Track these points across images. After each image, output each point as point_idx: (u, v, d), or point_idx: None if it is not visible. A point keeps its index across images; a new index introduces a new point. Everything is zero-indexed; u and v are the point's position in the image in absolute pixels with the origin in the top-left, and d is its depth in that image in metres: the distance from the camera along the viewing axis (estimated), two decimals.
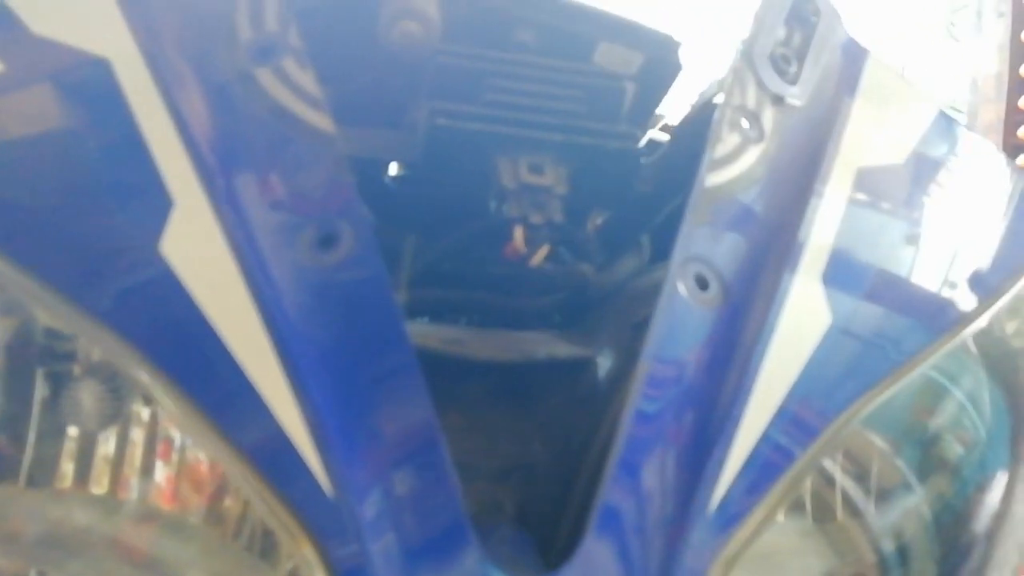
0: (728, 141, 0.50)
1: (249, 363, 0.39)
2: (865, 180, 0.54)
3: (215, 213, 0.41)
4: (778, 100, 0.54)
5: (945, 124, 0.65)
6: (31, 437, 0.41)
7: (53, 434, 0.41)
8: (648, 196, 0.61)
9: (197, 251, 0.40)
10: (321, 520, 0.37)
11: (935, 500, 0.53)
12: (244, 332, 0.39)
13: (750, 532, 0.42)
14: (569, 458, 0.46)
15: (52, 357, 0.42)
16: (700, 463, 0.41)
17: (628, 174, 0.60)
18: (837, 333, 0.47)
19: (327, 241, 0.41)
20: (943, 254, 0.56)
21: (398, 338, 0.41)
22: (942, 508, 0.52)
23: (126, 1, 0.47)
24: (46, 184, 0.42)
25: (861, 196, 0.53)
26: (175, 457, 0.41)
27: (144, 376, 0.39)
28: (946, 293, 0.54)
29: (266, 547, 0.40)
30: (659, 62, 0.63)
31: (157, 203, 0.41)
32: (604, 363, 0.50)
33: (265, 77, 0.45)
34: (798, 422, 0.44)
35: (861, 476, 0.49)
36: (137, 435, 0.41)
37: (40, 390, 0.42)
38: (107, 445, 0.41)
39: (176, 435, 0.41)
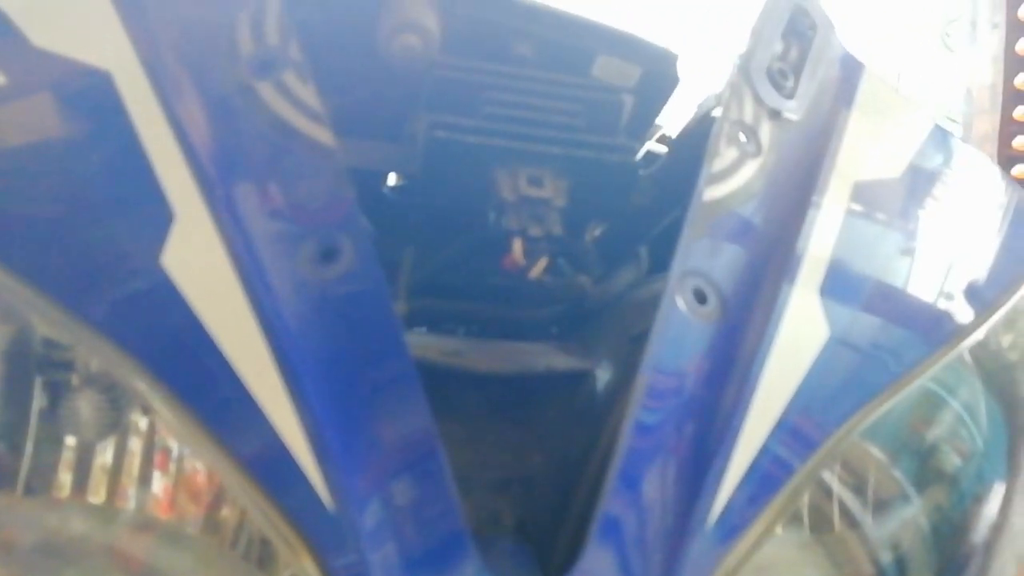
0: (726, 155, 0.51)
1: (248, 374, 0.39)
2: (862, 193, 0.54)
3: (216, 226, 0.41)
4: (775, 114, 0.54)
5: (941, 137, 0.65)
6: (29, 446, 0.41)
7: (51, 443, 0.41)
8: (646, 208, 0.61)
9: (198, 263, 0.40)
10: (320, 531, 0.37)
11: (933, 512, 0.53)
12: (244, 343, 0.39)
13: (750, 544, 0.42)
14: (568, 470, 0.46)
15: (50, 366, 0.42)
16: (699, 475, 0.41)
17: (626, 186, 0.60)
18: (835, 345, 0.47)
19: (328, 254, 0.42)
20: (939, 267, 0.56)
21: (397, 349, 0.41)
22: (940, 520, 0.53)
23: (127, 13, 0.47)
24: (47, 195, 0.43)
25: (858, 209, 0.53)
26: (173, 467, 0.41)
27: (143, 386, 0.39)
28: (943, 306, 0.54)
29: (264, 557, 0.39)
30: (657, 75, 0.63)
31: (158, 215, 0.41)
32: (602, 375, 0.50)
33: (266, 91, 0.46)
34: (797, 434, 0.44)
35: (859, 488, 0.49)
36: (135, 445, 0.41)
37: (38, 399, 0.42)
38: (105, 454, 0.41)
39: (174, 445, 0.41)
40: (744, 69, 0.54)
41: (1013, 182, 0.69)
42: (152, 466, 0.41)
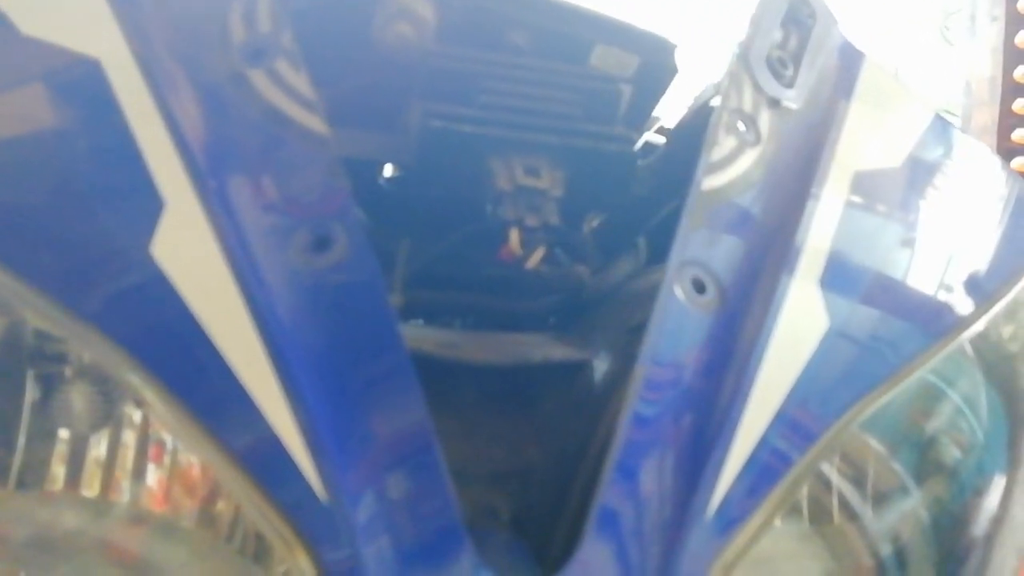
0: (724, 144, 0.50)
1: (241, 366, 0.38)
2: (862, 184, 0.54)
3: (207, 215, 0.40)
4: (774, 103, 0.54)
5: (941, 127, 0.65)
6: (20, 439, 0.41)
7: (43, 436, 0.41)
8: (644, 199, 0.61)
9: (188, 253, 0.40)
10: (313, 524, 0.37)
11: (933, 504, 0.52)
12: (236, 335, 0.39)
13: (749, 536, 0.41)
14: (565, 462, 0.45)
15: (42, 359, 0.41)
16: (698, 467, 0.41)
17: (624, 177, 0.59)
18: (835, 337, 0.46)
19: (320, 244, 0.41)
20: (940, 258, 0.56)
21: (392, 341, 0.40)
22: (940, 512, 0.52)
23: (117, 1, 0.46)
24: (35, 185, 0.42)
25: (858, 200, 0.53)
26: (166, 460, 0.40)
27: (135, 379, 0.39)
28: (943, 297, 0.54)
29: (259, 551, 0.39)
30: (655, 65, 0.63)
31: (148, 204, 0.41)
32: (600, 366, 0.50)
33: (258, 78, 0.45)
34: (796, 426, 0.44)
35: (859, 480, 0.49)
36: (128, 438, 0.41)
37: (30, 392, 0.41)
38: (98, 448, 0.41)
39: (167, 438, 0.40)
40: (743, 57, 0.54)
41: (1014, 173, 0.68)
42: (145, 459, 0.41)
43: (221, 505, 0.40)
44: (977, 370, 0.55)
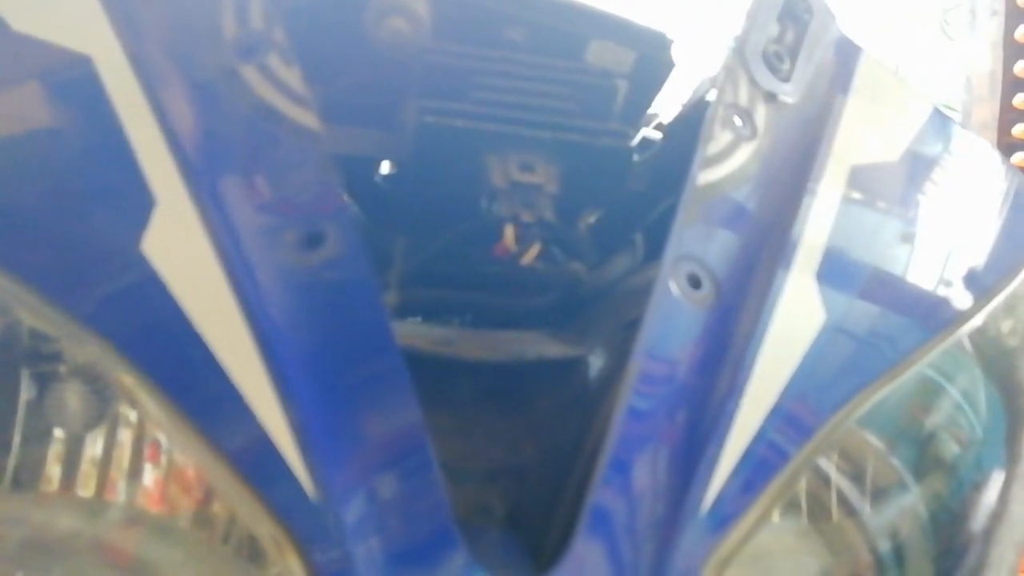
0: (721, 139, 0.50)
1: (232, 365, 0.38)
2: (859, 178, 0.53)
3: (198, 211, 0.40)
4: (771, 97, 0.53)
5: (939, 122, 0.64)
6: (14, 440, 0.41)
7: (36, 437, 0.41)
8: (641, 194, 0.61)
9: (180, 250, 0.40)
10: (304, 524, 0.37)
11: (931, 499, 0.52)
12: (227, 333, 0.38)
13: (744, 532, 0.41)
14: (560, 459, 0.45)
15: (35, 358, 0.41)
16: (693, 462, 0.41)
17: (621, 172, 0.59)
18: (831, 331, 0.46)
19: (312, 241, 0.41)
20: (938, 252, 0.55)
21: (384, 339, 0.40)
22: (938, 507, 0.52)
23: None
24: (25, 182, 0.42)
25: (855, 194, 0.52)
26: (161, 460, 0.40)
27: (127, 378, 0.39)
28: (941, 291, 0.54)
29: (254, 551, 0.39)
30: (652, 60, 0.62)
31: (139, 201, 0.40)
32: (596, 363, 0.50)
33: (250, 74, 0.45)
34: (792, 421, 0.44)
35: (856, 475, 0.49)
36: (122, 438, 0.41)
37: (24, 391, 0.41)
38: (92, 448, 0.41)
39: (162, 438, 0.40)
40: (739, 51, 0.53)
41: (1013, 167, 0.68)
42: (140, 460, 0.40)
43: (215, 505, 0.40)
44: (976, 365, 0.55)
